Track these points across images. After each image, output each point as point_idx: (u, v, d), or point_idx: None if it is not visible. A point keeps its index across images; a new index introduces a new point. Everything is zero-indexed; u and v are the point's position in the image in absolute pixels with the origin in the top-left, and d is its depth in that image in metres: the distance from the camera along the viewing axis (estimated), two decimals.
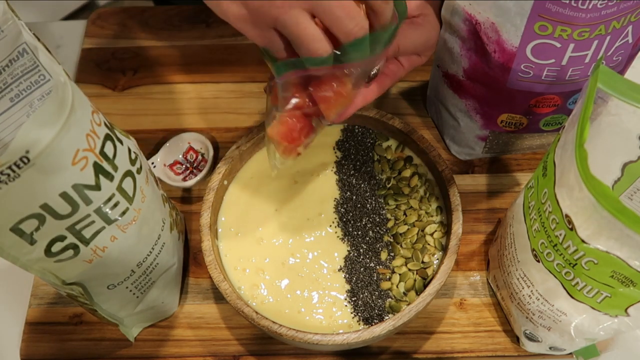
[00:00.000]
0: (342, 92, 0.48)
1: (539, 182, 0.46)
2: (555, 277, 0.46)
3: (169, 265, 0.55)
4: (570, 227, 0.41)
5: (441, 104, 0.65)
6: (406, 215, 0.58)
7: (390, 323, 0.51)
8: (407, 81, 0.72)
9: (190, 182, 0.64)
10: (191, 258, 0.62)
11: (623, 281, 0.41)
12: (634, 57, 0.55)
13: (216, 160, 0.66)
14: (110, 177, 0.43)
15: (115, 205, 0.45)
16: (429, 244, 0.56)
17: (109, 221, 0.45)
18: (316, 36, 0.44)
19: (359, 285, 0.55)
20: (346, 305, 0.55)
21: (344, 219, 0.58)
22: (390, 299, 0.55)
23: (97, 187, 0.42)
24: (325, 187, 0.60)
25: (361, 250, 0.57)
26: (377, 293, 0.55)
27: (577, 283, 0.44)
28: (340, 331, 0.53)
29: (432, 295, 0.52)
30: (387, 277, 0.56)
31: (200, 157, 0.66)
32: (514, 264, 0.52)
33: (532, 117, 0.59)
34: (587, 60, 0.51)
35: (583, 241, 0.40)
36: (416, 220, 0.58)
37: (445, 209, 0.58)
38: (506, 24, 0.50)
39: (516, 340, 0.58)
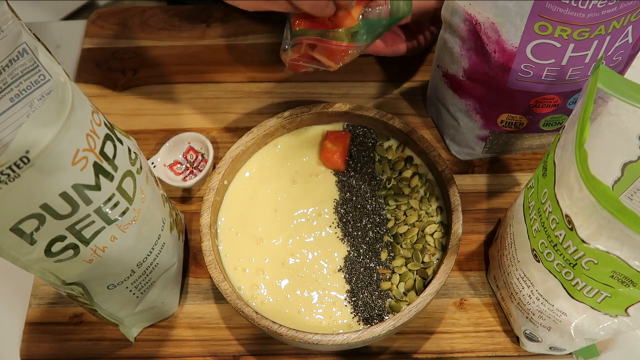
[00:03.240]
0: (338, 60, 0.58)
1: (539, 182, 0.46)
2: (555, 277, 0.46)
3: (169, 265, 0.55)
4: (570, 227, 0.41)
5: (441, 104, 0.65)
6: (406, 216, 0.58)
7: (390, 323, 0.51)
8: (407, 81, 0.72)
9: (190, 182, 0.63)
10: (191, 258, 0.62)
11: (623, 281, 0.41)
12: (634, 57, 0.55)
13: (216, 160, 0.66)
14: (110, 177, 0.43)
15: (115, 205, 0.45)
16: (429, 244, 0.56)
17: (109, 221, 0.45)
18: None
19: (359, 285, 0.55)
20: (346, 306, 0.55)
21: (344, 220, 0.58)
22: (390, 299, 0.55)
23: (97, 187, 0.42)
24: (325, 187, 0.60)
25: (361, 251, 0.57)
26: (377, 293, 0.55)
27: (577, 283, 0.44)
28: (340, 331, 0.53)
29: (432, 295, 0.52)
30: (387, 277, 0.56)
31: (200, 157, 0.66)
32: (514, 264, 0.52)
33: (532, 117, 0.59)
34: (587, 60, 0.51)
35: (583, 241, 0.40)
36: (416, 221, 0.58)
37: (446, 209, 0.58)
38: (506, 24, 0.50)
39: (516, 340, 0.58)
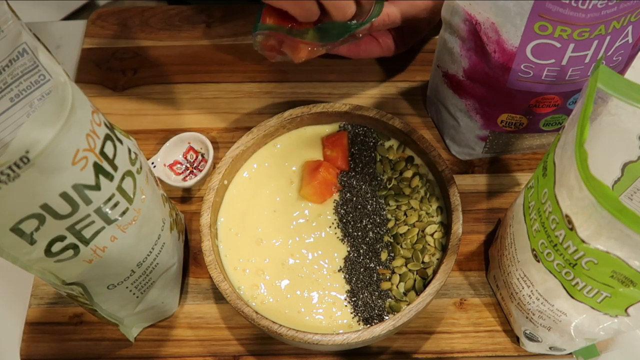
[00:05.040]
0: (302, 56, 0.59)
1: (539, 182, 0.46)
2: (555, 277, 0.46)
3: (169, 265, 0.55)
4: (570, 227, 0.41)
5: (441, 104, 0.65)
6: (407, 216, 0.58)
7: (390, 323, 0.51)
8: (407, 81, 0.72)
9: (190, 182, 0.64)
10: (191, 258, 0.62)
11: (623, 281, 0.41)
12: (634, 57, 0.55)
13: (216, 160, 0.66)
14: (110, 177, 0.43)
15: (115, 205, 0.45)
16: (429, 244, 0.56)
17: (109, 221, 0.45)
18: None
19: (359, 285, 0.55)
20: (346, 306, 0.55)
21: (344, 220, 0.58)
22: (390, 299, 0.55)
23: (97, 187, 0.42)
24: None
25: (361, 251, 0.57)
26: (377, 293, 0.55)
27: (577, 283, 0.44)
28: (340, 331, 0.53)
29: (432, 295, 0.52)
30: (387, 277, 0.56)
31: (200, 157, 0.66)
32: (514, 264, 0.52)
33: (532, 117, 0.59)
34: (587, 60, 0.51)
35: (583, 241, 0.40)
36: (416, 221, 0.58)
37: (446, 209, 0.58)
38: (506, 24, 0.50)
39: (516, 340, 0.58)
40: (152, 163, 0.65)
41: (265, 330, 0.51)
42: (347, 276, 0.56)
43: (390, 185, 0.59)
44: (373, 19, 0.59)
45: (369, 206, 0.59)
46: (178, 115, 0.70)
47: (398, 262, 0.56)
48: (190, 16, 0.78)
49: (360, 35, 0.60)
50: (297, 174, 0.61)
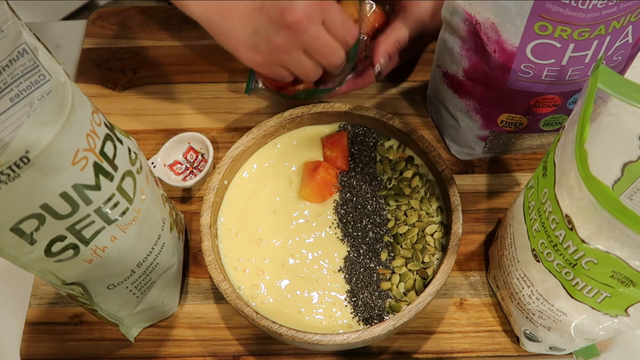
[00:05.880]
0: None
1: (539, 182, 0.46)
2: (555, 277, 0.46)
3: (169, 265, 0.55)
4: (570, 227, 0.41)
5: (441, 104, 0.65)
6: (407, 216, 0.58)
7: (390, 323, 0.51)
8: (407, 81, 0.72)
9: (190, 182, 0.63)
10: (191, 258, 0.62)
11: (623, 281, 0.41)
12: (634, 57, 0.55)
13: (216, 160, 0.66)
14: (110, 177, 0.43)
15: (115, 205, 0.45)
16: (429, 244, 0.56)
17: (109, 221, 0.45)
18: (311, 68, 0.59)
19: (359, 285, 0.55)
20: (346, 306, 0.55)
21: (344, 220, 0.58)
22: (390, 299, 0.55)
23: (97, 187, 0.42)
24: None
25: (361, 251, 0.57)
26: (377, 293, 0.55)
27: (577, 283, 0.44)
28: (340, 331, 0.53)
29: (432, 295, 0.52)
30: (387, 277, 0.56)
31: (200, 157, 0.66)
32: (514, 264, 0.52)
33: (532, 117, 0.59)
34: (587, 60, 0.51)
35: (583, 241, 0.40)
36: (416, 221, 0.58)
37: (446, 209, 0.58)
38: (506, 24, 0.50)
39: (516, 340, 0.58)
40: (152, 163, 0.65)
41: (265, 330, 0.51)
42: (347, 276, 0.56)
43: (390, 185, 0.59)
44: (338, 87, 0.64)
45: (369, 206, 0.59)
46: (178, 115, 0.71)
47: (398, 262, 0.56)
48: None
49: (339, 86, 0.64)
50: (297, 174, 0.61)
